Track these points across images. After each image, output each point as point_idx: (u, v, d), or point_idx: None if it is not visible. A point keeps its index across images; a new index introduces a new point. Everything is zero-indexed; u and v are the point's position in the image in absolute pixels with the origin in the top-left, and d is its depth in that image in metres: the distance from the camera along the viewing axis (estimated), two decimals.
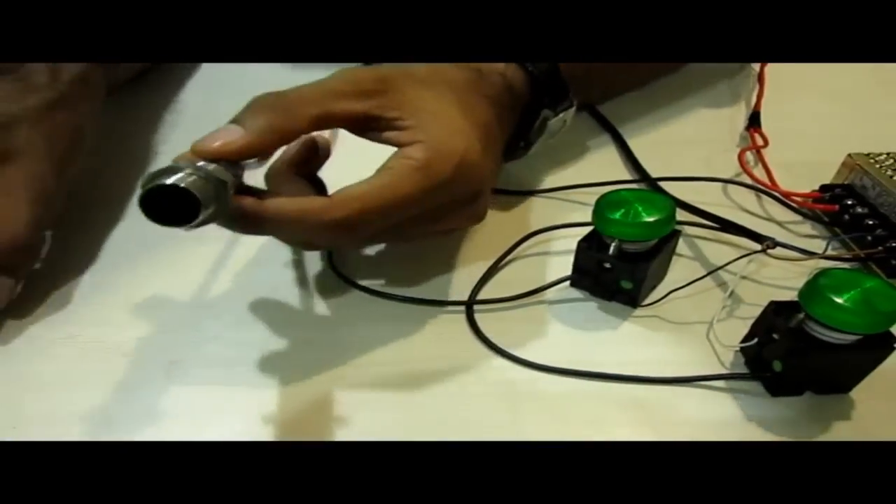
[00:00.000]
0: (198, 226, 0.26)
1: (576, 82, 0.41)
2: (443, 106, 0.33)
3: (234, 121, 0.29)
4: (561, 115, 0.41)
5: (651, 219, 0.32)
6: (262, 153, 0.30)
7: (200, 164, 0.27)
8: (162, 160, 0.48)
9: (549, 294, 0.36)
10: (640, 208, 0.33)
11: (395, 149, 0.31)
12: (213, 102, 0.55)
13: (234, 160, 0.28)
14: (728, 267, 0.36)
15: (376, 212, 0.29)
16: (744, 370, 0.32)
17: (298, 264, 0.39)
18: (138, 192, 0.25)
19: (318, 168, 0.35)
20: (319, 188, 0.34)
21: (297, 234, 0.30)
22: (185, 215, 0.25)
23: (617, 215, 0.33)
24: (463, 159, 0.31)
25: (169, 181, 0.25)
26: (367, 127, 0.32)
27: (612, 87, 0.50)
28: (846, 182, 0.41)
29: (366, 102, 0.31)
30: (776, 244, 0.35)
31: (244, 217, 0.28)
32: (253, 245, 0.40)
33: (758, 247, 0.35)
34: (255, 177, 0.31)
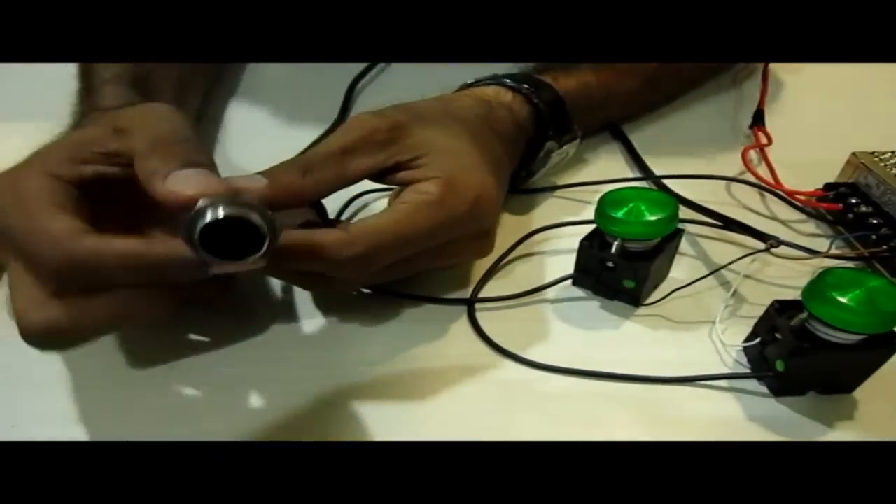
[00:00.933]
0: (258, 260, 0.25)
1: (578, 114, 0.41)
2: (457, 143, 0.33)
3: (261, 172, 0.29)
4: (565, 146, 0.42)
5: (654, 217, 0.32)
6: (275, 208, 0.30)
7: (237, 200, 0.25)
8: None
9: (551, 293, 0.36)
10: (643, 207, 0.33)
11: None
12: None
13: None
14: (731, 266, 0.36)
15: (393, 245, 0.29)
16: (746, 370, 0.32)
17: None
18: (193, 229, 0.24)
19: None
20: (320, 211, 0.34)
21: (309, 267, 0.30)
22: (244, 248, 0.24)
23: (620, 214, 0.32)
24: (479, 195, 0.31)
25: (237, 213, 0.24)
26: (385, 175, 0.32)
27: (613, 118, 0.50)
28: (850, 180, 0.41)
29: (381, 154, 0.31)
30: (780, 243, 0.35)
31: None
32: None
33: (761, 245, 0.35)
34: None
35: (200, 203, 0.24)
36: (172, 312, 0.29)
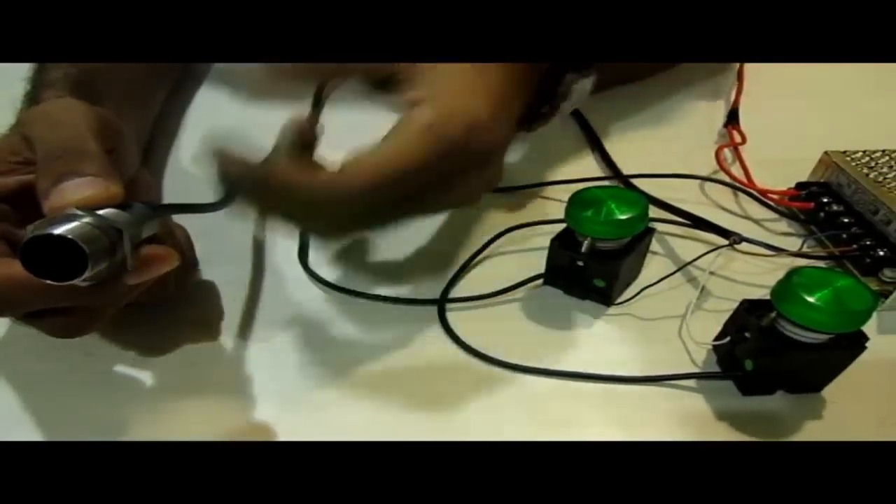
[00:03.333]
0: (88, 280, 0.24)
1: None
2: (456, 65, 0.31)
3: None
4: (582, 81, 0.39)
5: (624, 216, 0.32)
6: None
7: (103, 211, 0.25)
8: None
9: (522, 292, 0.36)
10: (612, 206, 0.32)
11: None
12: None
13: None
14: (698, 263, 0.36)
15: (390, 179, 0.27)
16: (716, 368, 0.32)
17: (268, 262, 0.38)
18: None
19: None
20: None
21: (302, 211, 0.28)
22: (71, 269, 0.23)
23: (589, 213, 0.32)
24: (475, 119, 0.29)
25: (56, 231, 0.22)
26: (378, 85, 0.30)
27: (625, 75, 0.48)
28: (822, 180, 0.41)
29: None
30: (742, 239, 0.35)
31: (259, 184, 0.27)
32: (221, 242, 0.39)
33: (726, 242, 0.35)
34: None
35: (55, 215, 0.24)
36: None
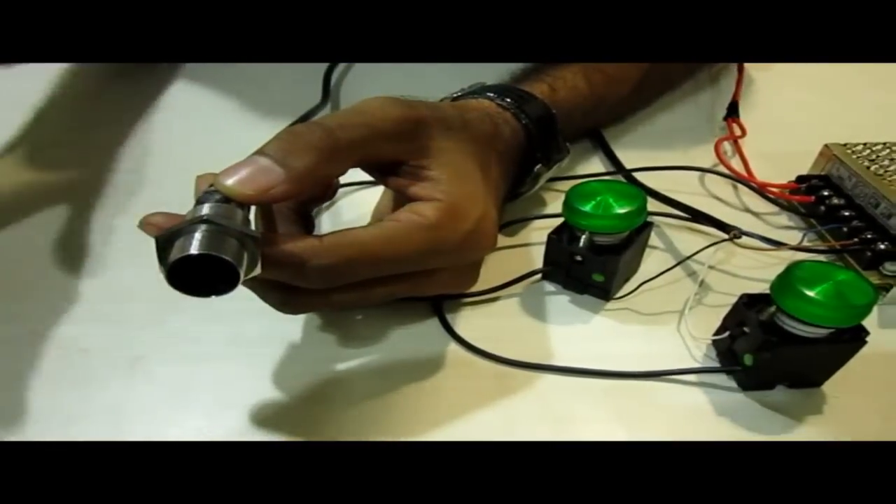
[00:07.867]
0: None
1: (570, 125, 0.39)
2: (466, 163, 0.30)
3: (264, 153, 0.25)
4: (554, 167, 0.39)
5: (622, 210, 0.32)
6: (298, 197, 0.27)
7: (210, 210, 0.23)
8: (127, 155, 0.48)
9: (521, 287, 0.36)
10: (610, 200, 0.32)
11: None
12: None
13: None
14: (697, 257, 0.36)
15: (369, 262, 0.27)
16: (715, 363, 0.32)
17: None
18: (162, 259, 0.22)
19: (315, 208, 0.34)
20: (308, 227, 0.32)
21: (274, 275, 0.26)
22: (218, 281, 0.22)
23: (587, 207, 0.32)
24: (476, 227, 0.29)
25: (196, 250, 0.22)
26: (388, 170, 0.29)
27: (598, 124, 0.49)
28: (823, 172, 0.41)
29: (400, 146, 0.28)
30: (742, 233, 0.35)
31: None
32: None
33: (726, 236, 0.35)
34: None
35: (188, 213, 0.23)
36: None
